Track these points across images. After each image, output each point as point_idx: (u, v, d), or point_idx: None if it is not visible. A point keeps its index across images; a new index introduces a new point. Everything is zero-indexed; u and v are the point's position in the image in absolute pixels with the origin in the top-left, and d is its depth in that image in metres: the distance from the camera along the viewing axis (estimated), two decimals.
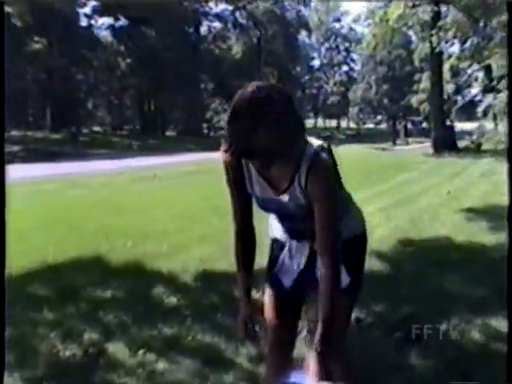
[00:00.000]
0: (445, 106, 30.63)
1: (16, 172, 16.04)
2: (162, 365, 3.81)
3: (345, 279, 2.64)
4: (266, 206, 2.68)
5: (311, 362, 2.42)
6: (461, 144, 30.60)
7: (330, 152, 2.58)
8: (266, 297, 2.86)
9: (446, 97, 32.31)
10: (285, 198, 2.59)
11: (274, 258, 2.85)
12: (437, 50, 24.97)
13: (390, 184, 13.99)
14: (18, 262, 6.17)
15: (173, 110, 53.59)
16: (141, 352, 3.96)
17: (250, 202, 2.69)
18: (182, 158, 24.01)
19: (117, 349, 4.04)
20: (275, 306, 2.82)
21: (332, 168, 2.55)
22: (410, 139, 46.01)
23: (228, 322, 4.44)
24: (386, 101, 67.64)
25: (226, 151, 2.44)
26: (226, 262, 5.80)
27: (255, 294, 2.98)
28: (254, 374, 3.65)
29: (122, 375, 3.71)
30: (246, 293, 2.75)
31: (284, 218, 2.74)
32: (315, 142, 2.56)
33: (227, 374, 3.65)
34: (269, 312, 2.83)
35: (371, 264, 6.00)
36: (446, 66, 30.15)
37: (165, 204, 10.82)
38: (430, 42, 24.28)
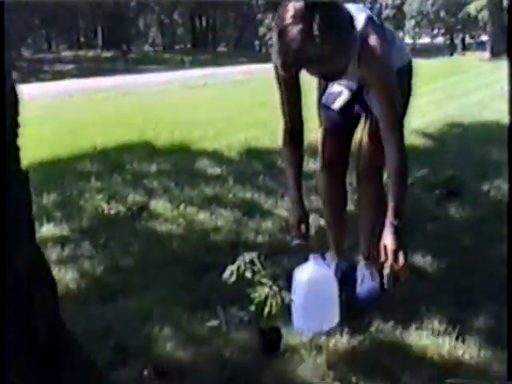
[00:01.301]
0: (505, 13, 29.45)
1: (67, 86, 16.27)
2: (202, 216, 3.91)
3: None
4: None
5: (385, 238, 2.46)
6: None
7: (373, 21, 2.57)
8: (320, 131, 2.94)
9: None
10: (344, 79, 2.66)
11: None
12: None
13: (442, 83, 13.67)
14: (68, 149, 6.34)
15: (225, 27, 52.95)
16: (182, 206, 4.06)
17: (300, 103, 2.72)
18: (233, 69, 23.83)
19: (159, 205, 4.15)
20: (330, 133, 2.91)
21: (381, 43, 2.51)
22: (467, 53, 44.53)
23: (269, 183, 4.50)
24: (442, 13, 65.24)
25: (280, 65, 2.40)
26: (270, 140, 5.84)
27: None
28: None
29: (163, 225, 3.82)
30: (297, 192, 2.77)
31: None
32: (360, 17, 2.52)
33: (265, 222, 3.73)
34: (324, 142, 2.93)
35: (416, 141, 5.96)
36: None
37: (214, 103, 10.85)
38: None
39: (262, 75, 15.82)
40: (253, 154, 5.62)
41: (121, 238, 3.65)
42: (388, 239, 2.44)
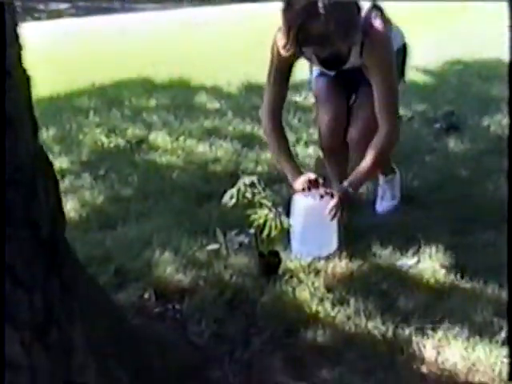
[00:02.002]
0: None
1: (64, 24, 16.00)
2: (201, 147, 3.91)
3: None
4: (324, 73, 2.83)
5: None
6: None
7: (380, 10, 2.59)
8: (318, 85, 2.93)
9: None
10: (344, 68, 2.69)
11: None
12: None
13: (445, 22, 13.45)
14: (66, 86, 6.27)
15: None
16: (181, 138, 4.06)
17: (286, 92, 2.78)
18: (234, 7, 23.41)
19: (158, 138, 4.14)
20: (328, 86, 2.90)
21: (385, 30, 2.56)
22: None
23: None
24: None
25: (283, 45, 2.43)
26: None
27: None
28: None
29: (162, 156, 3.82)
30: (291, 161, 2.77)
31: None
32: (364, 4, 2.52)
33: (264, 153, 3.72)
34: (323, 92, 2.92)
35: (416, 77, 5.90)
36: None
37: (214, 41, 10.68)
38: None
39: (263, 13, 15.57)
40: (252, 89, 5.56)
41: (120, 169, 3.65)
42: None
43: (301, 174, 2.70)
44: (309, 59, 2.76)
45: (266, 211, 2.25)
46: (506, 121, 4.39)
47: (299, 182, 2.64)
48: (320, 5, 2.28)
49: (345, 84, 2.88)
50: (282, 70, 2.69)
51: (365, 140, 2.70)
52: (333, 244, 2.59)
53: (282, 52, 2.50)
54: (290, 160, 2.76)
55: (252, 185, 2.27)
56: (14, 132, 1.02)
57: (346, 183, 2.62)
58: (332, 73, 2.85)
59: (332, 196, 2.55)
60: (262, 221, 2.26)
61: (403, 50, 2.89)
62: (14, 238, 1.01)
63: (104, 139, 4.18)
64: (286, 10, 2.34)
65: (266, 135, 2.84)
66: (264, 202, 2.25)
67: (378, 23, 2.54)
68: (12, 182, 1.01)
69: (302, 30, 2.33)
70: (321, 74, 2.93)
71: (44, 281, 1.06)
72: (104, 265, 2.51)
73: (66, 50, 10.58)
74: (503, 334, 2.05)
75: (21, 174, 1.04)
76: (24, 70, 1.17)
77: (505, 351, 1.99)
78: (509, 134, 2.62)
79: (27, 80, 1.22)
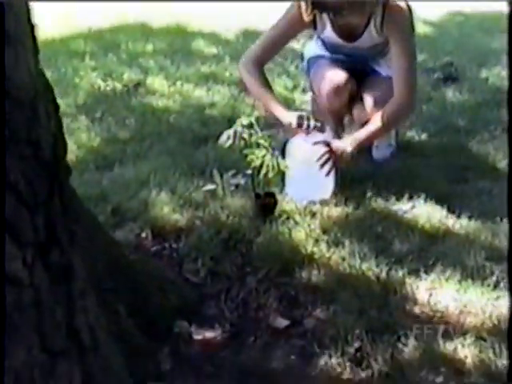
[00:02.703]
0: None
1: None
2: (198, 92, 3.89)
3: None
4: (336, 50, 2.81)
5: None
6: None
7: None
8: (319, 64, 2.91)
9: None
10: (357, 43, 2.70)
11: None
12: None
13: None
14: (61, 30, 6.17)
15: None
16: (178, 83, 4.03)
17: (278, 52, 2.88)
18: None
19: (155, 82, 4.11)
20: (331, 63, 2.88)
21: (405, 6, 2.60)
22: None
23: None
24: None
25: (306, 9, 2.50)
26: (267, 25, 5.72)
27: None
28: (289, 100, 3.72)
29: (159, 100, 3.80)
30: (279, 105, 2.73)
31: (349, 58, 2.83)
32: None
33: None
34: (325, 65, 2.89)
35: (416, 27, 5.84)
36: None
37: None
38: None
39: None
40: (250, 35, 5.49)
41: (117, 112, 3.64)
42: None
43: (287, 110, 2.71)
44: (322, 27, 2.73)
45: (263, 152, 2.25)
46: (504, 73, 4.38)
47: (290, 116, 2.63)
48: None
49: (350, 72, 2.85)
50: (289, 27, 2.71)
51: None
52: (328, 190, 2.59)
53: (304, 17, 2.56)
54: (275, 98, 2.76)
55: (250, 126, 2.26)
56: (15, 50, 1.01)
57: (347, 140, 2.64)
58: (341, 58, 2.85)
59: (328, 145, 2.55)
60: (259, 162, 2.26)
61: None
62: (17, 157, 1.01)
63: (100, 83, 4.15)
64: None
65: (244, 74, 2.77)
66: (261, 142, 2.25)
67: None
68: (15, 100, 1.00)
69: None
70: (320, 57, 2.92)
71: (46, 201, 1.06)
72: (101, 204, 2.51)
73: None
74: (494, 278, 2.08)
75: (23, 93, 1.04)
76: None
77: (496, 294, 2.02)
78: (508, 125, 2.62)
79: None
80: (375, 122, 2.63)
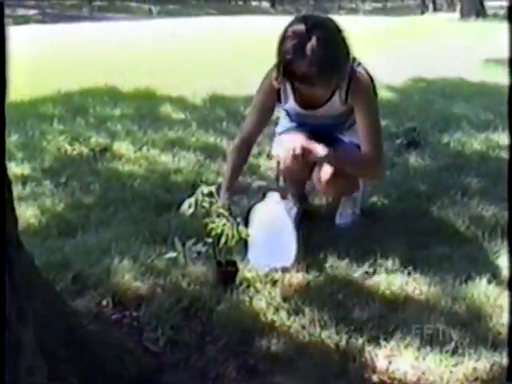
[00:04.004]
0: None
1: (32, 32, 15.88)
2: (164, 157, 3.93)
3: None
4: (301, 120, 2.89)
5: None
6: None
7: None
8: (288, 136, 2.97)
9: None
10: (321, 111, 2.79)
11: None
12: None
13: (410, 40, 13.66)
14: (31, 92, 6.23)
15: None
16: (144, 148, 4.07)
17: (267, 124, 2.96)
18: (202, 20, 23.46)
19: (122, 147, 4.15)
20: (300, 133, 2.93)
21: (368, 79, 2.75)
22: (438, 13, 44.35)
23: (232, 129, 4.52)
24: None
25: (276, 77, 2.60)
26: (236, 89, 5.84)
27: None
28: (254, 166, 3.77)
29: (125, 165, 3.83)
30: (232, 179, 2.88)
31: (313, 127, 2.90)
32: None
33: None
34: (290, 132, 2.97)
35: (380, 93, 5.97)
36: None
37: (181, 53, 10.72)
38: None
39: (231, 27, 15.67)
40: (217, 101, 5.61)
41: (82, 177, 3.66)
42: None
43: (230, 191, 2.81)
44: (285, 99, 2.82)
45: (223, 221, 2.27)
46: (465, 138, 4.49)
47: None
48: (308, 47, 2.44)
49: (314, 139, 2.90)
50: (265, 104, 2.84)
51: (336, 183, 2.81)
52: (290, 256, 2.60)
53: (274, 84, 2.65)
54: (232, 178, 2.87)
55: (210, 194, 2.29)
56: None
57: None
58: (306, 127, 2.93)
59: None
60: (219, 230, 2.28)
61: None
62: None
63: (67, 147, 4.17)
64: (280, 44, 2.52)
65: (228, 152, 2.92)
66: (221, 211, 2.28)
67: (361, 69, 2.73)
68: None
69: (289, 66, 2.50)
70: (289, 129, 3.00)
71: None
72: (62, 271, 2.51)
73: (32, 56, 10.52)
74: (453, 344, 2.10)
75: None
76: None
77: (454, 361, 2.04)
78: (508, 126, 2.66)
79: None
80: (353, 156, 2.78)
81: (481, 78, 7.23)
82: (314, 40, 2.44)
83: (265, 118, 2.90)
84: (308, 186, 2.99)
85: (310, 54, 2.44)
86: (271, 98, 2.81)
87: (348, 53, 2.59)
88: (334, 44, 2.52)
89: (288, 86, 2.73)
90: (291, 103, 2.80)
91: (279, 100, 2.81)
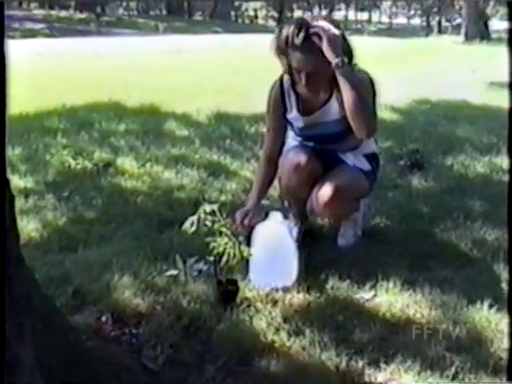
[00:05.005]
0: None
1: (39, 45, 15.98)
2: (167, 174, 3.93)
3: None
4: (304, 133, 2.91)
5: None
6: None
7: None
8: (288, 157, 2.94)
9: None
10: (320, 116, 2.82)
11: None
12: None
13: (414, 62, 13.72)
14: (36, 106, 6.25)
15: None
16: (148, 165, 4.07)
17: (284, 137, 2.96)
18: (207, 37, 23.59)
19: (125, 162, 4.15)
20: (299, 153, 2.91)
21: (369, 80, 2.76)
22: (443, 35, 44.54)
23: (236, 147, 4.53)
24: None
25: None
26: (240, 106, 5.85)
27: None
28: None
29: (128, 181, 3.83)
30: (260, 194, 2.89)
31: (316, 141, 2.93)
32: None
33: (230, 182, 3.75)
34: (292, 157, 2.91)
35: (384, 114, 6.01)
36: None
37: (186, 69, 10.76)
38: None
39: (236, 45, 15.74)
40: (222, 118, 5.62)
41: (85, 191, 3.66)
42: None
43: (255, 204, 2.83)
44: (290, 108, 2.86)
45: (225, 239, 2.27)
46: (468, 161, 4.49)
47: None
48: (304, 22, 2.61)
49: (318, 158, 2.92)
50: (276, 120, 2.91)
51: (333, 207, 2.80)
52: (292, 276, 2.60)
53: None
54: (257, 193, 2.87)
55: (212, 213, 2.29)
56: None
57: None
58: (310, 143, 2.94)
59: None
60: (221, 249, 2.28)
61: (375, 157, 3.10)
62: None
63: (71, 161, 4.17)
64: (279, 34, 2.66)
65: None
66: (223, 230, 2.27)
67: (362, 73, 2.79)
68: None
69: (293, 35, 2.60)
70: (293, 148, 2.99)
71: None
72: (62, 286, 2.50)
73: (38, 69, 10.57)
74: (453, 369, 2.08)
75: None
76: None
77: None
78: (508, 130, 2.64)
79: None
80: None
81: (484, 100, 7.24)
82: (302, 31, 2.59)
83: (279, 133, 2.94)
84: (309, 205, 2.98)
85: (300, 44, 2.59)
86: (279, 113, 2.87)
87: (350, 50, 2.70)
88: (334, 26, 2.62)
89: (292, 97, 2.81)
90: (294, 113, 2.85)
91: (285, 110, 2.86)
